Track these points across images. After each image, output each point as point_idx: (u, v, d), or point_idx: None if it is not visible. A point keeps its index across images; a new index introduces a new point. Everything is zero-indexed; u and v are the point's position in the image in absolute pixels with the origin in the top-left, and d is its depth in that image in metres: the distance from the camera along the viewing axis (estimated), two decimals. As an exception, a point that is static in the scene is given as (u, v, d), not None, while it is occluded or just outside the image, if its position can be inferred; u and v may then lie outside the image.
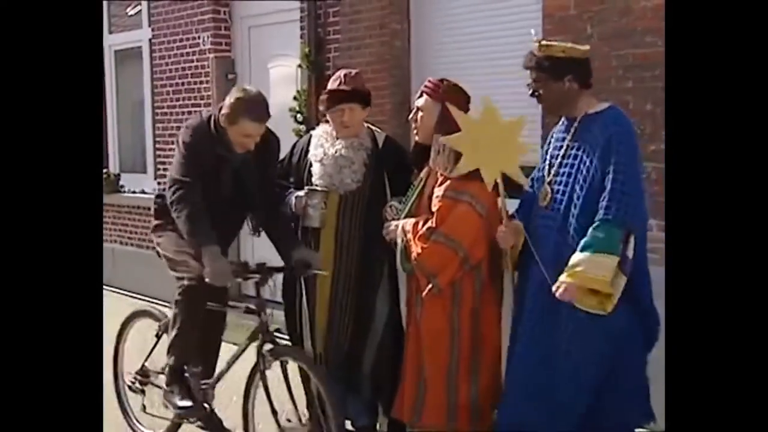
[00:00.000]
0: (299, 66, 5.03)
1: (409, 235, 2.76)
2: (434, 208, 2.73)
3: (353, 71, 3.13)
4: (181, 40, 6.05)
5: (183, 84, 6.08)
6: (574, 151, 2.54)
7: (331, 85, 3.05)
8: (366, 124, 3.16)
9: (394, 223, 2.86)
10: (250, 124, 2.86)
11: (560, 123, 2.71)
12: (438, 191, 2.73)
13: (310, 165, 3.10)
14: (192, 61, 5.97)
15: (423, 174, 2.86)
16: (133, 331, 3.68)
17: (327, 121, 3.17)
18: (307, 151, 3.13)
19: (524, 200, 2.75)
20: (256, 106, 2.87)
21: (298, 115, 5.02)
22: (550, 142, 2.72)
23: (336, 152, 3.03)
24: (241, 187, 3.02)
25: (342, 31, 4.87)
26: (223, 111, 2.89)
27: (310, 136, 3.19)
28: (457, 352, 2.71)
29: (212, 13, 5.77)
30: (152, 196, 6.38)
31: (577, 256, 2.36)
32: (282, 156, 3.24)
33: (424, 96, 2.80)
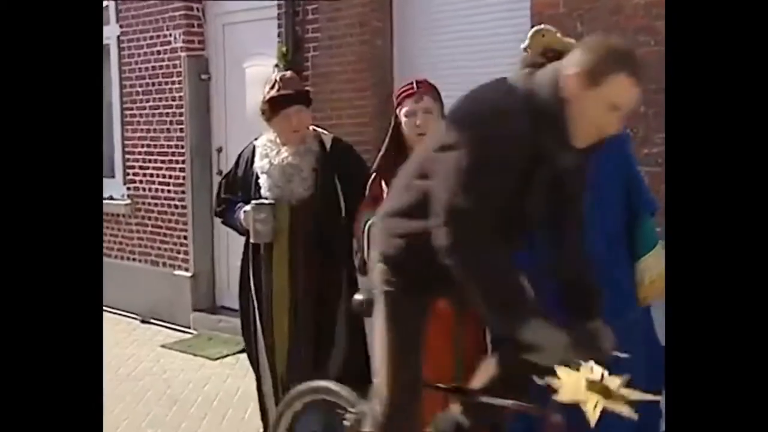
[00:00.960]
0: (276, 66, 4.96)
1: None
2: None
3: (287, 73, 3.10)
4: (151, 38, 5.99)
5: (153, 84, 6.01)
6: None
7: (270, 92, 2.97)
8: (312, 127, 3.11)
9: None
10: (626, 81, 1.82)
11: None
12: None
13: (257, 177, 3.04)
14: (163, 60, 5.90)
15: None
16: (303, 420, 2.57)
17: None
18: (252, 162, 3.07)
19: None
20: (631, 57, 1.87)
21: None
22: None
23: (282, 161, 2.98)
24: (562, 205, 2.00)
25: (321, 29, 4.83)
26: (575, 69, 1.84)
27: (254, 146, 3.12)
28: (462, 365, 2.65)
29: (184, 9, 5.71)
30: (124, 203, 6.43)
31: (654, 257, 2.47)
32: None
33: (427, 97, 2.74)
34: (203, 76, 5.76)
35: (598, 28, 3.63)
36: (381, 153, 2.84)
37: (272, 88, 2.98)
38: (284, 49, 4.93)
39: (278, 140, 3.03)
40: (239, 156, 3.20)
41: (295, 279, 2.99)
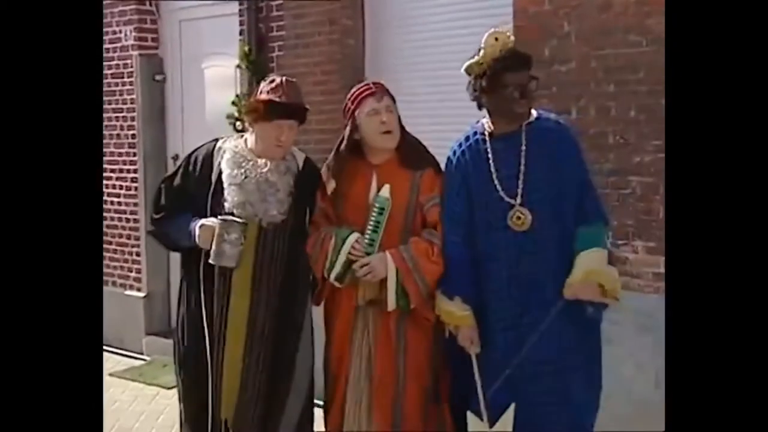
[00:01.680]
0: (238, 66, 4.97)
1: (415, 261, 2.70)
2: (433, 218, 2.77)
3: (293, 80, 2.97)
4: (100, 36, 5.92)
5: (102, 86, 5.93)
6: (537, 164, 2.63)
7: (269, 94, 2.82)
8: None
9: (373, 257, 2.72)
10: None
11: (476, 142, 2.71)
12: (432, 199, 2.78)
13: (217, 187, 2.84)
14: (113, 59, 5.81)
15: (385, 191, 2.75)
16: None
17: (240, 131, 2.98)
18: (211, 167, 2.88)
19: (462, 234, 2.71)
20: None
21: (238, 123, 4.85)
22: (478, 162, 2.69)
23: (259, 176, 2.82)
24: None
25: (287, 27, 4.82)
26: None
27: (214, 147, 2.94)
28: (436, 375, 2.82)
29: (136, 3, 5.66)
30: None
31: (588, 256, 2.59)
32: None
33: (386, 96, 2.83)
34: (157, 77, 5.70)
35: (586, 27, 3.67)
36: (336, 159, 2.84)
37: (273, 90, 2.80)
38: (247, 48, 4.90)
39: (253, 148, 2.86)
40: (191, 157, 2.96)
41: (254, 315, 2.83)
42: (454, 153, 2.76)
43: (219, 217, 2.77)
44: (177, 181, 2.95)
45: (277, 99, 2.80)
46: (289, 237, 2.87)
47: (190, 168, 2.93)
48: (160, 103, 5.74)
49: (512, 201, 2.63)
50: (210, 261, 2.78)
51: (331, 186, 2.82)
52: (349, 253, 2.72)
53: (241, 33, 5.00)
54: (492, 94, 2.62)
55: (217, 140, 2.99)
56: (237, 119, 4.87)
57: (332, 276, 2.76)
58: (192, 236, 2.81)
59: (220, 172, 2.87)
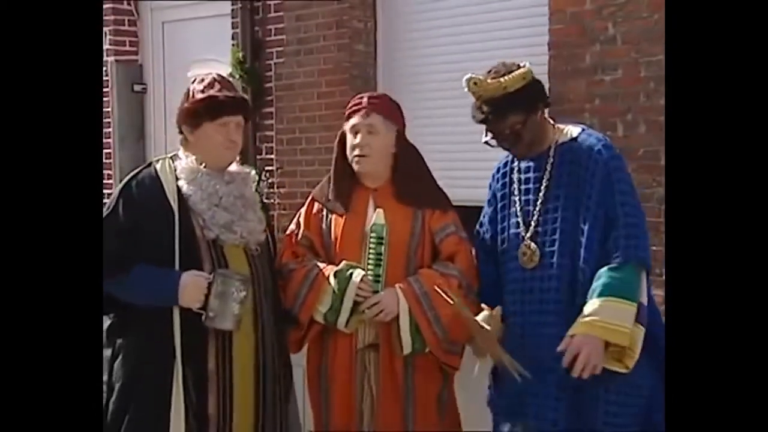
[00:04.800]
0: (230, 76, 4.81)
1: (428, 295, 2.74)
2: (449, 250, 2.83)
3: (223, 75, 2.96)
4: (70, 40, 6.01)
5: (72, 97, 6.01)
6: (561, 191, 2.63)
7: (205, 91, 2.79)
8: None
9: (381, 294, 2.76)
10: None
11: (512, 160, 2.77)
12: (446, 228, 2.83)
13: (180, 214, 2.71)
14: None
15: (379, 216, 2.81)
16: None
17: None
18: (163, 191, 2.75)
19: (486, 263, 2.81)
20: None
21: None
22: (506, 184, 2.76)
23: (231, 190, 2.78)
24: None
25: (287, 30, 4.89)
26: None
27: (155, 170, 2.80)
28: (449, 423, 2.90)
29: (111, 2, 5.72)
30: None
31: (593, 303, 2.47)
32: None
33: (374, 114, 2.85)
34: (137, 88, 5.78)
35: (635, 30, 3.68)
36: (331, 187, 2.90)
37: (209, 86, 2.80)
38: (240, 54, 4.95)
39: (197, 161, 2.80)
40: (131, 188, 2.78)
41: (261, 369, 2.76)
42: (494, 168, 2.85)
43: (218, 271, 2.69)
44: (123, 220, 2.71)
45: (219, 94, 2.80)
46: (269, 261, 2.88)
47: (137, 200, 2.76)
48: (140, 117, 5.80)
49: (523, 232, 2.65)
50: (207, 323, 2.67)
51: (339, 209, 2.87)
52: (356, 294, 2.75)
53: (233, 37, 5.04)
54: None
55: (150, 163, 2.88)
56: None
57: (339, 323, 2.78)
58: (173, 294, 2.67)
59: (180, 198, 2.75)
